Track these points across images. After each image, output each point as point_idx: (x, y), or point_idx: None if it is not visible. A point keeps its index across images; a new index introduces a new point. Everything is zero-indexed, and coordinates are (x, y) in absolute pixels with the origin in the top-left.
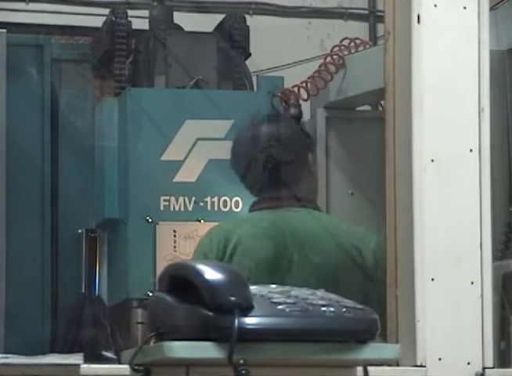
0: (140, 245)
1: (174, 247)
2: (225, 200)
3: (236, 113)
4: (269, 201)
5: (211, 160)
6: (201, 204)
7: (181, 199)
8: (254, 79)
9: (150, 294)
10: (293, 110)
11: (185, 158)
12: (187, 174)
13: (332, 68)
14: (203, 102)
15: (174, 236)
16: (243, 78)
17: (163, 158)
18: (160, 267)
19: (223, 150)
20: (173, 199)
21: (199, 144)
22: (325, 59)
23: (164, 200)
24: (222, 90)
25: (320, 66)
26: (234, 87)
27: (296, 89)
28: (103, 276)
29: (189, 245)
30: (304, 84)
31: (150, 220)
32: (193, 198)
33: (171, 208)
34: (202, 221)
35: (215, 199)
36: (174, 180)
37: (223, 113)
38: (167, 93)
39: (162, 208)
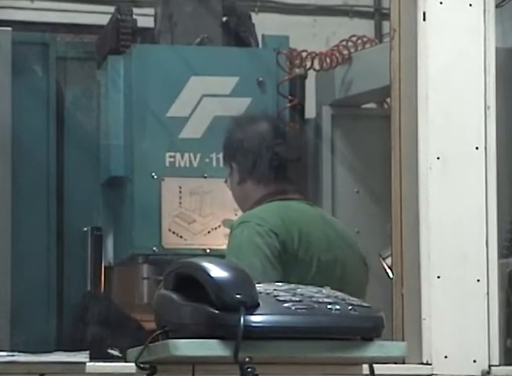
0: (145, 201)
1: (180, 203)
2: None
3: (242, 70)
4: (280, 193)
5: (216, 116)
6: (206, 160)
7: (186, 155)
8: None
9: (155, 250)
10: (298, 70)
11: (191, 115)
12: (192, 130)
13: (344, 51)
14: (209, 58)
15: (180, 192)
16: (249, 36)
17: (168, 115)
18: (166, 223)
19: (228, 107)
20: (178, 155)
21: (204, 101)
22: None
23: (170, 157)
24: (228, 47)
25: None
26: (239, 44)
27: (305, 55)
28: (109, 234)
29: (194, 201)
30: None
31: (155, 176)
32: (199, 154)
33: (177, 165)
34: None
35: (220, 155)
36: (180, 136)
37: (228, 70)
38: (172, 50)
39: (167, 165)
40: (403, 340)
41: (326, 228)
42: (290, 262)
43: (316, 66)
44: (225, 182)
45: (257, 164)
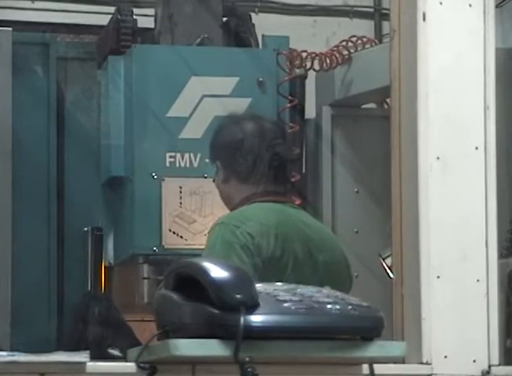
0: (146, 201)
1: (180, 203)
2: None
3: (242, 71)
4: (265, 195)
5: (217, 116)
6: (206, 160)
7: (186, 155)
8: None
9: (155, 250)
10: (298, 71)
11: (191, 115)
12: (193, 130)
13: (344, 51)
14: (209, 59)
15: (180, 192)
16: (249, 36)
17: (168, 115)
18: (166, 223)
19: (228, 107)
20: (178, 155)
21: (204, 101)
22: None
23: (170, 157)
24: (228, 47)
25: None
26: (239, 45)
27: (305, 55)
28: (110, 234)
29: (194, 201)
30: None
31: (156, 176)
32: (199, 155)
33: (177, 165)
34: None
35: None
36: (180, 137)
37: (228, 70)
38: (172, 50)
39: (168, 165)
40: (403, 340)
41: (308, 232)
42: (264, 264)
43: (316, 66)
44: (213, 181)
45: (241, 164)
